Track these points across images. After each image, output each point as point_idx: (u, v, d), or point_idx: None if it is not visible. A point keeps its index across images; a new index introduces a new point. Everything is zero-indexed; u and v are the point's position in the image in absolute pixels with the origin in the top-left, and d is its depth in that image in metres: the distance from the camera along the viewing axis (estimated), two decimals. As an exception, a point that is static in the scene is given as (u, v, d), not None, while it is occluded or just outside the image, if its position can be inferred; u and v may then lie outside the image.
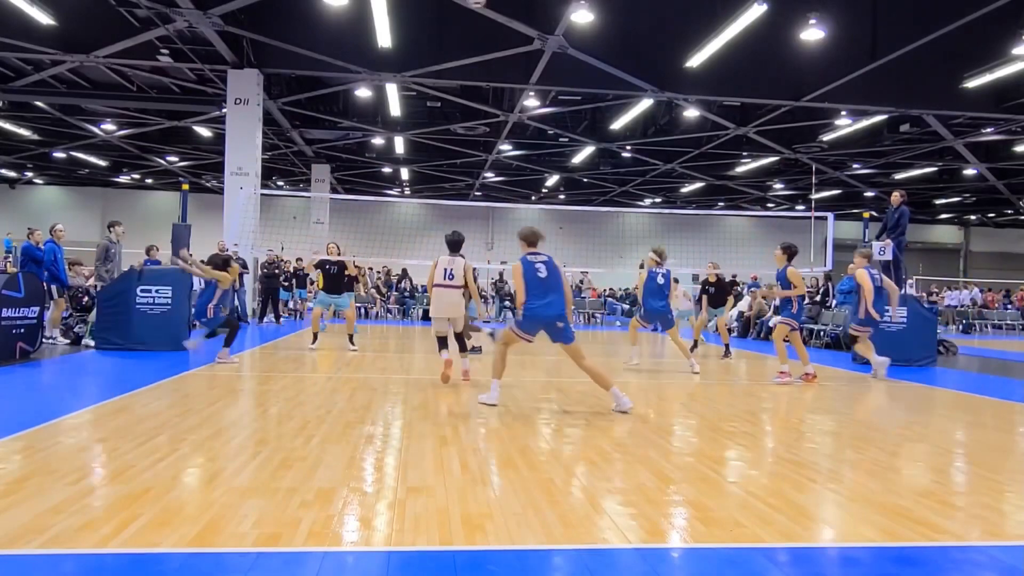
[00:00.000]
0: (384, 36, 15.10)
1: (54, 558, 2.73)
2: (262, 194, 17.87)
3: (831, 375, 9.72)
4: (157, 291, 9.04)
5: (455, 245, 7.79)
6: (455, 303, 7.63)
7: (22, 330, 7.86)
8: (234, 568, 2.69)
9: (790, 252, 8.56)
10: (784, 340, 8.67)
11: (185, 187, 10.94)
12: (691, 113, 21.01)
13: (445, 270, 7.62)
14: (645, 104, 19.82)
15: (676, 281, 11.63)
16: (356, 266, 12.29)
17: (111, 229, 11.93)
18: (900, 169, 26.68)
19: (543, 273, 6.24)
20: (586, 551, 2.96)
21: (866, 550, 3.12)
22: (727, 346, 11.88)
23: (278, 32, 15.90)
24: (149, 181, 34.19)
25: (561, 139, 24.09)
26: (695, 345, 11.71)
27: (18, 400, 6.16)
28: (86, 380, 7.52)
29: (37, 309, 8.08)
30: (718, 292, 11.99)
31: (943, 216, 38.30)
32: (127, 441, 4.56)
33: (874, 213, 12.96)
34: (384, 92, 19.54)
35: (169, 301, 9.24)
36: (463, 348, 7.97)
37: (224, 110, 18.04)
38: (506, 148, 25.42)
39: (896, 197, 11.56)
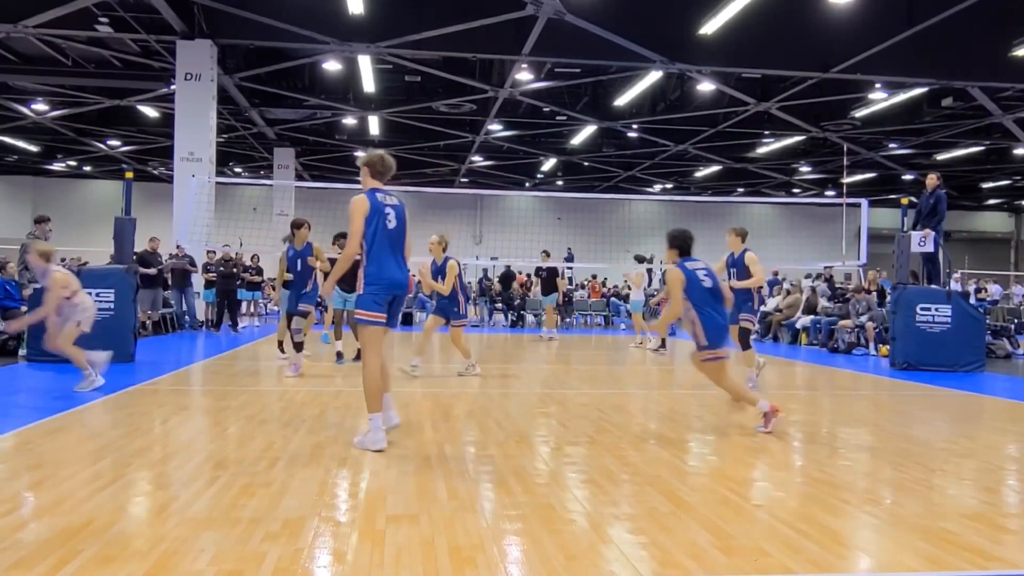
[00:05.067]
0: (355, 1, 15.08)
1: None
2: (217, 183, 17.84)
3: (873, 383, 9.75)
4: (98, 294, 8.97)
5: None
6: None
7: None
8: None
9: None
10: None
11: (129, 175, 10.80)
12: (705, 87, 21.05)
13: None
14: (653, 77, 19.86)
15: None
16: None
17: (37, 225, 11.38)
18: (942, 149, 26.84)
19: (392, 223, 5.37)
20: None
21: (908, 581, 3.13)
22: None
23: (233, -4, 15.86)
24: (87, 168, 34.06)
25: (558, 118, 24.12)
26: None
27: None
28: (15, 398, 7.47)
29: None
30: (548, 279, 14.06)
31: (991, 202, 38.53)
32: (64, 467, 4.54)
33: (913, 199, 12.97)
34: (356, 65, 19.50)
35: (112, 305, 9.21)
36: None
37: (172, 87, 17.94)
38: (496, 128, 25.43)
39: (932, 180, 11.56)
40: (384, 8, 16.23)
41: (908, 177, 31.66)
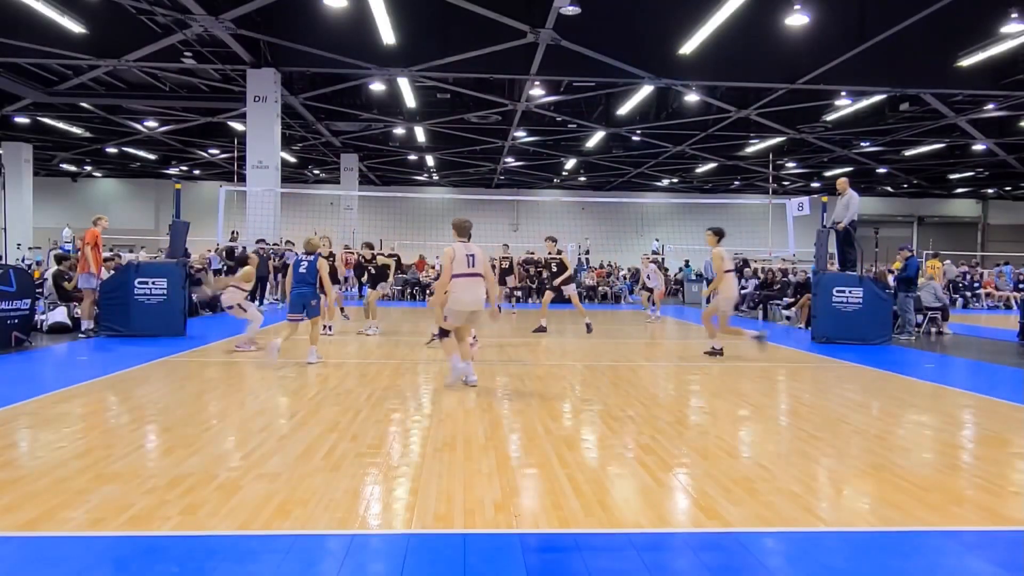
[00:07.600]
0: (387, 34, 15.13)
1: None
2: (282, 191, 18.19)
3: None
4: (154, 283, 9.32)
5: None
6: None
7: (16, 320, 8.26)
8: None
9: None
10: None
11: (177, 186, 11.13)
12: (692, 98, 20.58)
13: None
14: (647, 90, 19.47)
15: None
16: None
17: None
18: (908, 146, 25.74)
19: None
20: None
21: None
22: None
23: (290, 32, 16.05)
24: (196, 172, 34.94)
25: (570, 125, 23.83)
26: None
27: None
28: (98, 357, 7.80)
29: (28, 301, 8.46)
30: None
31: (960, 190, 36.85)
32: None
33: (831, 195, 12.27)
34: (397, 85, 19.56)
35: (165, 292, 9.54)
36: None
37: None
38: (520, 135, 25.25)
39: (843, 183, 10.79)
40: (413, 38, 16.22)
41: (881, 171, 30.50)
